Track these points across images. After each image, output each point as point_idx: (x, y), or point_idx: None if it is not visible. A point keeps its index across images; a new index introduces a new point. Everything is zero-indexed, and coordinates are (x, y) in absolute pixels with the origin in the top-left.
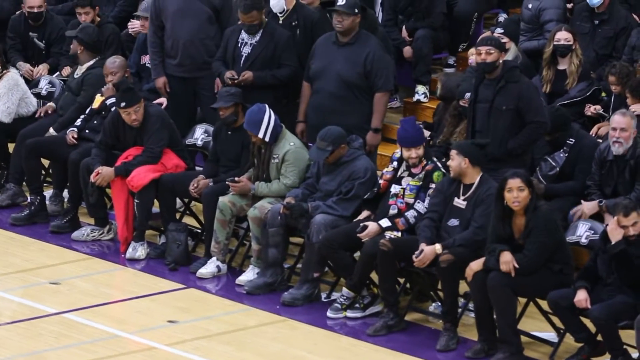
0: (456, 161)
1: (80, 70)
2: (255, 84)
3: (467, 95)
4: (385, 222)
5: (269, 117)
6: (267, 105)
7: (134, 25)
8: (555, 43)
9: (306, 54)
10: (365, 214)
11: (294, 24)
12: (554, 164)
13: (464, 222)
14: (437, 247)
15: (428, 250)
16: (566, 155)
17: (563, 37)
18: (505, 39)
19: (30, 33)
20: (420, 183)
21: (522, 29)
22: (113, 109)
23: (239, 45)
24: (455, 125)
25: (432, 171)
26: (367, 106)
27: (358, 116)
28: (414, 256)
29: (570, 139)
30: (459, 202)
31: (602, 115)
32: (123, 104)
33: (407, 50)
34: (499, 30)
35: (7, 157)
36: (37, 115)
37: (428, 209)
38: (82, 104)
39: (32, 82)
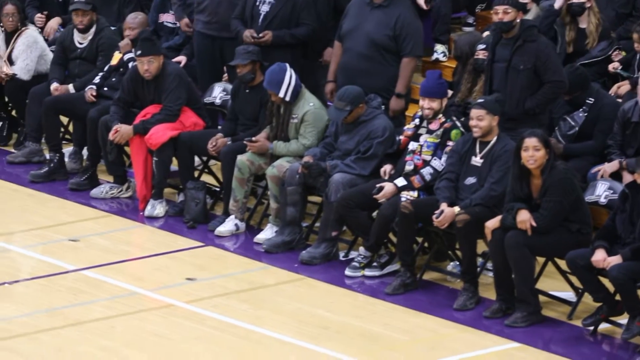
0: (487, 121)
1: (83, 37)
2: (274, 43)
3: (480, 47)
4: (400, 182)
5: (290, 76)
6: (287, 65)
7: None
8: (569, 2)
9: (328, 14)
10: (387, 167)
11: None
12: (573, 123)
13: (481, 179)
14: (456, 208)
15: (448, 211)
16: (585, 114)
17: None
18: (527, 0)
19: None
20: (438, 140)
21: None
22: (131, 64)
23: (257, 3)
24: (473, 82)
25: (450, 129)
26: (395, 69)
27: (385, 78)
28: (434, 216)
29: (590, 99)
30: (476, 160)
31: (621, 75)
32: (138, 52)
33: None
34: None
35: None
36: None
37: (445, 170)
38: (103, 69)
39: (50, 40)
